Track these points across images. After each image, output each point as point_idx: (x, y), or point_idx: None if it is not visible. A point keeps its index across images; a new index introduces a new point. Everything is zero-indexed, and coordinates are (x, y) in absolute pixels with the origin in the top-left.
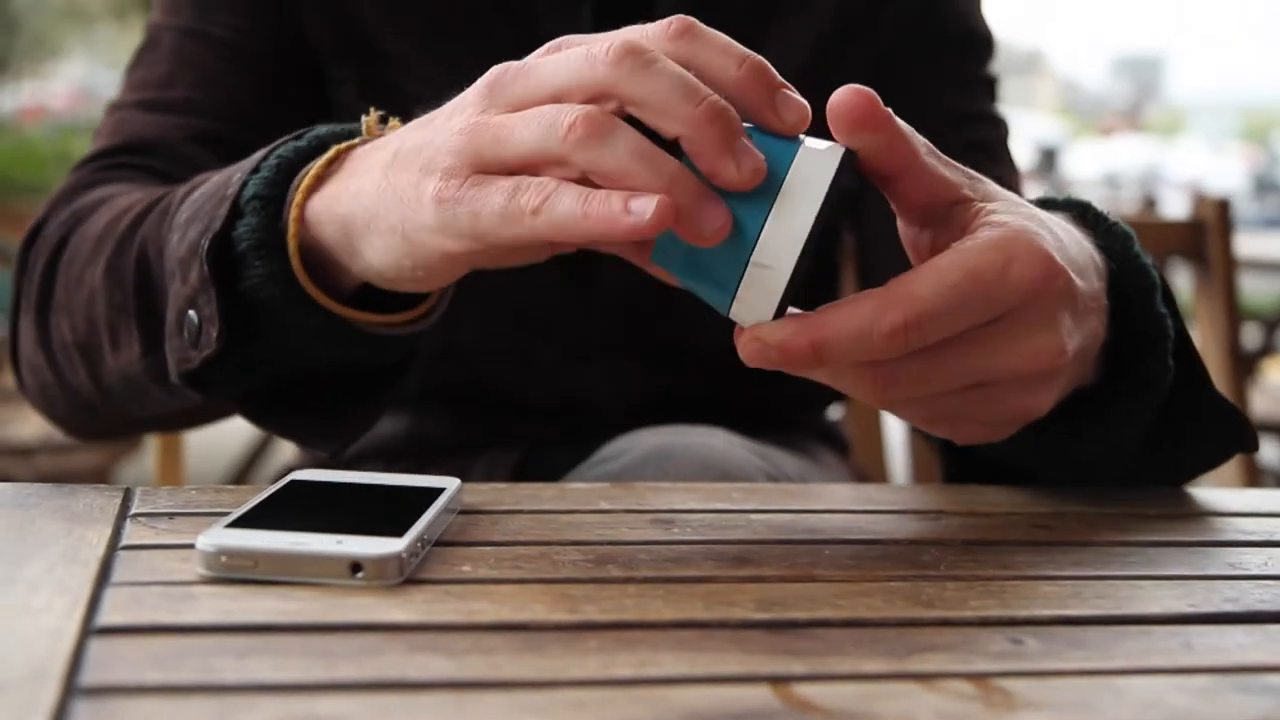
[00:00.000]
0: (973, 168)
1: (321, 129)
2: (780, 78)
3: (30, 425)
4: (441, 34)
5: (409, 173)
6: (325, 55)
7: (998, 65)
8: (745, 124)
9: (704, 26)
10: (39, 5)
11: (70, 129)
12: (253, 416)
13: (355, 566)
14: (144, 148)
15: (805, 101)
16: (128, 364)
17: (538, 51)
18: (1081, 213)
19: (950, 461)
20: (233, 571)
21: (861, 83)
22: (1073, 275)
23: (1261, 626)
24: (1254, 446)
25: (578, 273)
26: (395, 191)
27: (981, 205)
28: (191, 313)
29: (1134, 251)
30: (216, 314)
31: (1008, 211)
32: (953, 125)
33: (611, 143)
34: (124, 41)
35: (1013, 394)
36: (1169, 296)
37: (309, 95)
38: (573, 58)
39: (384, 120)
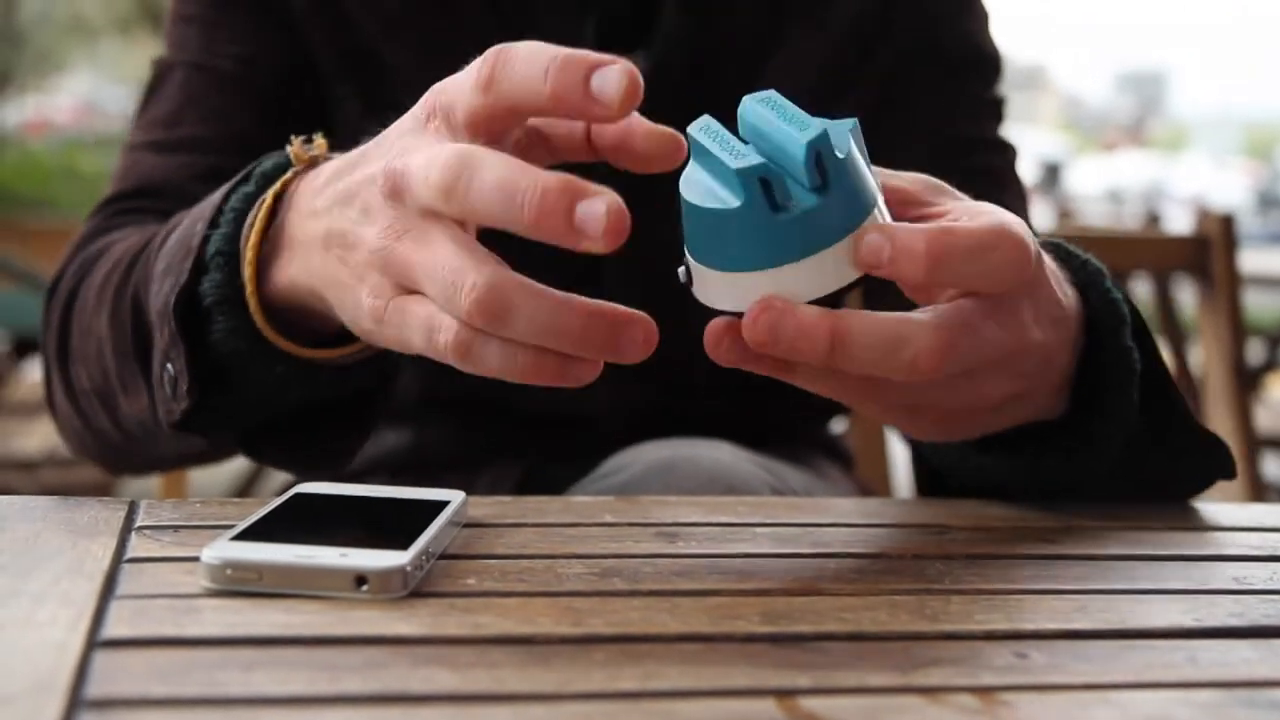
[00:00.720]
0: (979, 194)
1: (267, 163)
2: (597, 55)
3: (34, 439)
4: (442, 48)
5: (344, 271)
6: (328, 73)
7: (1003, 84)
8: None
9: (507, 54)
10: (44, 19)
11: (75, 143)
12: (252, 453)
13: (360, 580)
14: (153, 190)
15: (628, 67)
16: (140, 409)
17: (399, 147)
18: (1054, 250)
19: (923, 477)
20: (238, 584)
21: (868, 101)
22: (1046, 269)
23: (1267, 641)
24: (1232, 474)
25: (583, 292)
26: (339, 288)
27: (954, 206)
28: (169, 365)
29: (1105, 287)
30: (185, 369)
31: (984, 210)
32: (960, 151)
33: (514, 318)
34: (128, 56)
35: (970, 382)
36: (1143, 330)
37: (317, 122)
38: (417, 181)
39: (308, 141)
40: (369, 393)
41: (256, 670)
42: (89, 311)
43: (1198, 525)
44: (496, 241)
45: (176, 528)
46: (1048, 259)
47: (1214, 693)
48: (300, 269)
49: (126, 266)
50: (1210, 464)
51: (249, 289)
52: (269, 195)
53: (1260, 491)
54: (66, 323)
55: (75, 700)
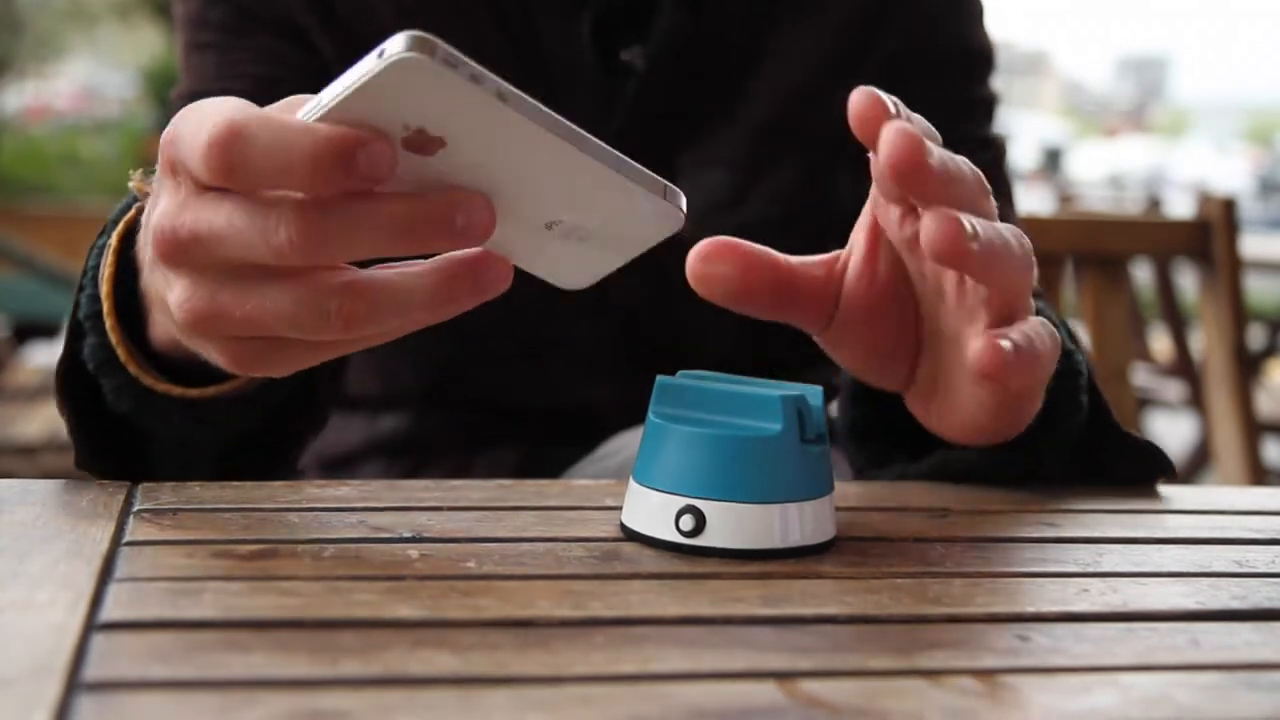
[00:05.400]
0: None
1: (118, 207)
2: (357, 134)
3: (35, 424)
4: None
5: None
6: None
7: (1000, 72)
8: None
9: (246, 134)
10: (43, 5)
11: (75, 129)
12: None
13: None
14: None
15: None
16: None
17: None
18: None
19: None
20: None
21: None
22: None
23: (1269, 624)
24: (1172, 473)
25: (588, 294)
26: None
27: None
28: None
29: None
30: (72, 435)
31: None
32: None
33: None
34: (128, 41)
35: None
36: (1073, 337)
37: None
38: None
39: (149, 173)
40: (304, 393)
41: (255, 652)
42: None
43: (1200, 508)
44: None
45: (175, 511)
46: None
47: (1216, 675)
48: (163, 324)
49: None
50: (1149, 468)
51: (120, 352)
52: (112, 243)
53: (1261, 475)
54: None
55: (74, 683)
